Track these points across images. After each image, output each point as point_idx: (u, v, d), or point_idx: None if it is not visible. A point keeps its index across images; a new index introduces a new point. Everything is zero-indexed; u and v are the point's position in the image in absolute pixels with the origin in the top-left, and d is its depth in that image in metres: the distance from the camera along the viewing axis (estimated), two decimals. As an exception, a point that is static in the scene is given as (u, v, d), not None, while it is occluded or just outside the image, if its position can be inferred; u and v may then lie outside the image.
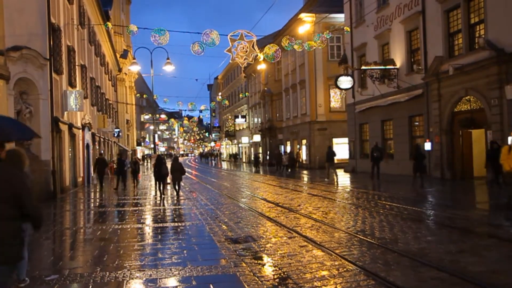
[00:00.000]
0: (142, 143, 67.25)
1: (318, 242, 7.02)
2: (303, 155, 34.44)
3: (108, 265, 5.92)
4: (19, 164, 4.05)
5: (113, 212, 11.72)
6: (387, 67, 21.09)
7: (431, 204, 11.71)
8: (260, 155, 43.13)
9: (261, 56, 17.96)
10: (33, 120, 13.83)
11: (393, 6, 21.38)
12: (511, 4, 14.33)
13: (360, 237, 7.34)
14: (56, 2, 15.96)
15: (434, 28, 18.24)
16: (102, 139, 27.54)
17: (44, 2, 14.21)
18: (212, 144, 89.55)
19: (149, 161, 54.47)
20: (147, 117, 66.18)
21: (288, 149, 37.12)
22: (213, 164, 57.24)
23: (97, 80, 25.73)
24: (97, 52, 26.17)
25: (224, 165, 51.55)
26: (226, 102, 56.02)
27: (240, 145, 60.45)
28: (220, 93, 69.41)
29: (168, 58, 21.95)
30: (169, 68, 22.13)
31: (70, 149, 17.94)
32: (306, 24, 30.47)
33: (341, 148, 31.21)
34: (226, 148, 73.58)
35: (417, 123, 20.62)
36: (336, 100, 32.24)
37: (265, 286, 4.93)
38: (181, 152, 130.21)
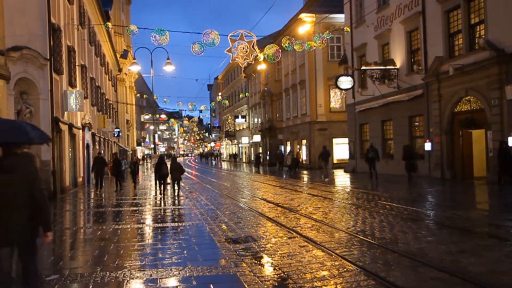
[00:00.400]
0: (142, 143, 67.27)
1: (318, 242, 7.02)
2: (303, 155, 34.44)
3: (108, 265, 5.92)
4: (31, 163, 4.69)
5: (113, 212, 11.71)
6: (387, 67, 21.09)
7: (431, 204, 11.70)
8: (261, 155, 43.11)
9: (261, 56, 17.97)
10: (33, 120, 13.81)
11: (393, 6, 21.38)
12: (511, 5, 14.34)
13: (360, 237, 7.34)
14: (56, 2, 15.97)
15: (434, 29, 18.24)
16: (102, 139, 27.54)
17: (45, 2, 14.22)
18: (212, 144, 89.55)
19: (149, 161, 54.49)
20: (147, 117, 66.20)
21: (289, 149, 37.12)
22: (213, 164, 57.23)
23: (97, 80, 25.74)
24: (97, 52, 26.17)
25: (224, 165, 51.55)
26: (226, 102, 56.02)
27: (240, 145, 60.46)
28: (220, 93, 69.40)
29: (168, 58, 21.96)
30: (169, 68, 22.14)
31: (70, 149, 17.95)
32: (306, 24, 30.47)
33: (341, 148, 31.31)
34: (226, 148, 73.58)
35: (417, 123, 20.62)
36: (336, 100, 32.22)
37: (265, 286, 4.93)
38: (181, 152, 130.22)
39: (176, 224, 9.36)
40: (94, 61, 25.00)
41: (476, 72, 15.56)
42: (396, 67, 21.02)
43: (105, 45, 30.46)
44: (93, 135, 23.65)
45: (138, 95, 52.11)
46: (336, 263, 5.80)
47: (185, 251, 6.60)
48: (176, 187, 15.42)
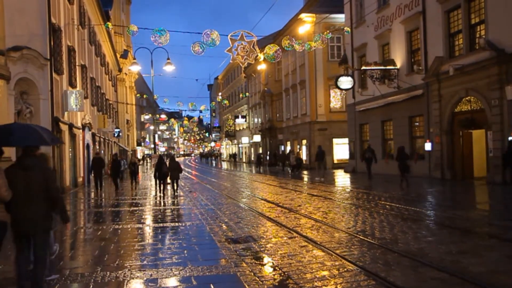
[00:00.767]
0: (142, 143, 67.25)
1: (319, 242, 7.02)
2: (303, 155, 34.42)
3: (109, 265, 5.92)
4: (46, 162, 5.35)
5: (114, 212, 11.72)
6: (387, 67, 21.09)
7: (431, 204, 11.70)
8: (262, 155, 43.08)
9: (261, 56, 17.98)
10: (33, 120, 13.82)
11: (394, 6, 21.38)
12: (511, 5, 14.33)
13: (360, 237, 7.34)
14: (56, 2, 15.98)
15: (435, 29, 18.24)
16: (102, 139, 27.54)
17: (45, 3, 14.23)
18: (212, 144, 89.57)
19: (148, 160, 54.46)
20: (147, 117, 66.14)
21: (289, 149, 37.05)
22: (213, 164, 57.23)
23: (97, 80, 25.74)
24: (97, 52, 26.18)
25: (224, 165, 51.55)
26: (226, 102, 56.00)
27: (240, 145, 60.46)
28: (220, 93, 69.38)
29: (168, 58, 21.96)
30: (169, 68, 22.14)
31: (70, 149, 17.95)
32: (307, 24, 30.49)
33: (341, 148, 31.32)
34: (226, 148, 73.58)
35: (417, 124, 20.62)
36: (336, 99, 32.23)
37: (265, 286, 4.93)
38: (181, 152, 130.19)
39: (176, 224, 9.36)
40: (94, 61, 25.01)
41: (476, 72, 15.56)
42: (396, 67, 21.02)
43: (105, 45, 30.47)
44: (93, 135, 23.65)
45: (138, 95, 52.09)
46: (336, 263, 5.80)
47: (185, 251, 6.60)
48: (175, 186, 15.75)
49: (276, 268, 5.71)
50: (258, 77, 46.87)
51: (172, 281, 5.13)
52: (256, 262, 6.01)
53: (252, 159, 50.85)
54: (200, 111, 64.81)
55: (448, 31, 17.61)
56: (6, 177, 4.31)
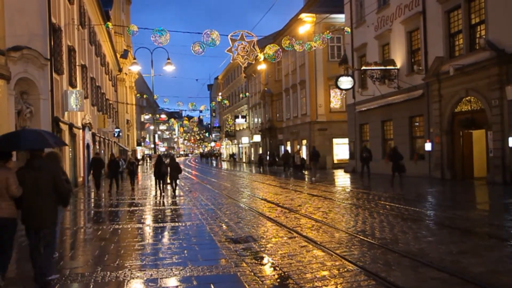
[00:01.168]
0: (142, 143, 67.24)
1: (319, 242, 7.02)
2: (303, 155, 34.40)
3: (109, 265, 5.93)
4: (56, 161, 5.72)
5: (114, 212, 11.72)
6: (388, 67, 21.09)
7: (432, 204, 11.70)
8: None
9: (261, 56, 17.97)
10: (34, 120, 13.81)
11: (394, 6, 21.38)
12: (511, 5, 14.35)
13: (361, 237, 7.34)
14: (56, 2, 15.98)
15: (435, 29, 18.24)
16: (102, 139, 27.54)
17: (45, 3, 14.22)
18: (212, 144, 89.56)
19: (148, 160, 54.43)
20: (147, 117, 66.16)
21: (289, 149, 37.04)
22: (214, 164, 57.23)
23: (98, 80, 25.74)
24: (97, 52, 26.18)
25: (224, 165, 51.55)
26: (226, 102, 55.97)
27: (240, 145, 60.45)
28: (220, 93, 69.37)
29: (168, 58, 21.95)
30: (169, 68, 22.13)
31: (70, 149, 17.94)
32: (307, 24, 30.48)
33: (341, 148, 31.32)
34: (226, 148, 73.58)
35: (417, 124, 20.63)
36: (336, 100, 32.23)
37: (265, 286, 4.93)
38: (181, 152, 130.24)
39: (176, 224, 9.36)
40: (94, 61, 25.01)
41: (477, 73, 15.56)
42: (396, 67, 21.02)
43: (105, 45, 30.47)
44: (93, 135, 23.65)
45: (138, 95, 52.07)
46: (337, 263, 5.80)
47: (185, 251, 6.60)
48: (174, 185, 15.90)
49: (276, 268, 5.71)
50: (258, 77, 46.86)
51: (172, 281, 5.13)
52: (256, 262, 6.01)
53: (252, 159, 50.85)
54: (200, 111, 64.83)
55: (448, 31, 17.61)
56: (17, 177, 4.92)
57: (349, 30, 24.56)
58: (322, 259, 6.05)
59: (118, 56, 38.20)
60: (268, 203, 12.64)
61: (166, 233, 8.33)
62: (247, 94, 50.59)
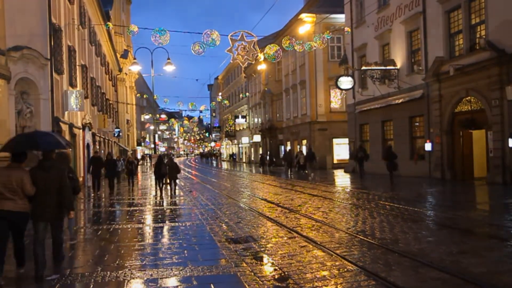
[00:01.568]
0: (143, 143, 67.23)
1: (319, 243, 7.02)
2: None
3: (109, 264, 5.93)
4: (66, 161, 6.23)
5: (114, 212, 11.73)
6: (388, 67, 21.09)
7: (432, 204, 11.70)
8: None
9: (261, 56, 17.96)
10: (34, 120, 13.82)
11: (394, 6, 21.38)
12: (511, 5, 14.35)
13: (361, 237, 7.34)
14: (57, 2, 15.98)
15: (435, 29, 18.24)
16: (102, 139, 27.54)
17: (45, 3, 14.22)
18: (212, 144, 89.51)
19: (148, 160, 54.41)
20: (147, 117, 66.12)
21: (289, 149, 37.00)
22: (214, 164, 57.23)
23: (98, 80, 25.74)
24: (97, 52, 26.18)
25: (224, 165, 51.55)
26: (226, 102, 55.98)
27: (240, 145, 60.44)
28: (220, 93, 69.37)
29: (168, 58, 21.94)
30: (169, 68, 22.11)
31: (70, 149, 17.91)
32: (307, 24, 30.47)
33: (341, 148, 31.32)
34: (226, 148, 73.57)
35: (417, 124, 20.62)
36: (336, 99, 32.23)
37: (265, 286, 4.93)
38: (181, 152, 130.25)
39: (176, 224, 9.36)
40: (94, 61, 25.01)
41: (477, 73, 15.55)
42: (396, 68, 21.02)
43: (105, 45, 30.47)
44: (94, 135, 23.64)
45: (138, 95, 52.08)
46: (337, 263, 5.80)
47: (185, 251, 6.60)
48: (173, 185, 16.00)
49: (276, 268, 5.70)
50: (258, 77, 46.86)
51: (172, 281, 5.13)
52: (256, 262, 6.01)
53: (252, 159, 50.84)
54: (200, 111, 64.89)
55: (449, 31, 17.61)
56: (30, 176, 5.38)
57: (349, 30, 24.59)
58: (322, 259, 6.05)
59: (118, 56, 38.20)
60: (268, 203, 12.63)
61: (166, 233, 8.34)
62: (247, 94, 50.58)
